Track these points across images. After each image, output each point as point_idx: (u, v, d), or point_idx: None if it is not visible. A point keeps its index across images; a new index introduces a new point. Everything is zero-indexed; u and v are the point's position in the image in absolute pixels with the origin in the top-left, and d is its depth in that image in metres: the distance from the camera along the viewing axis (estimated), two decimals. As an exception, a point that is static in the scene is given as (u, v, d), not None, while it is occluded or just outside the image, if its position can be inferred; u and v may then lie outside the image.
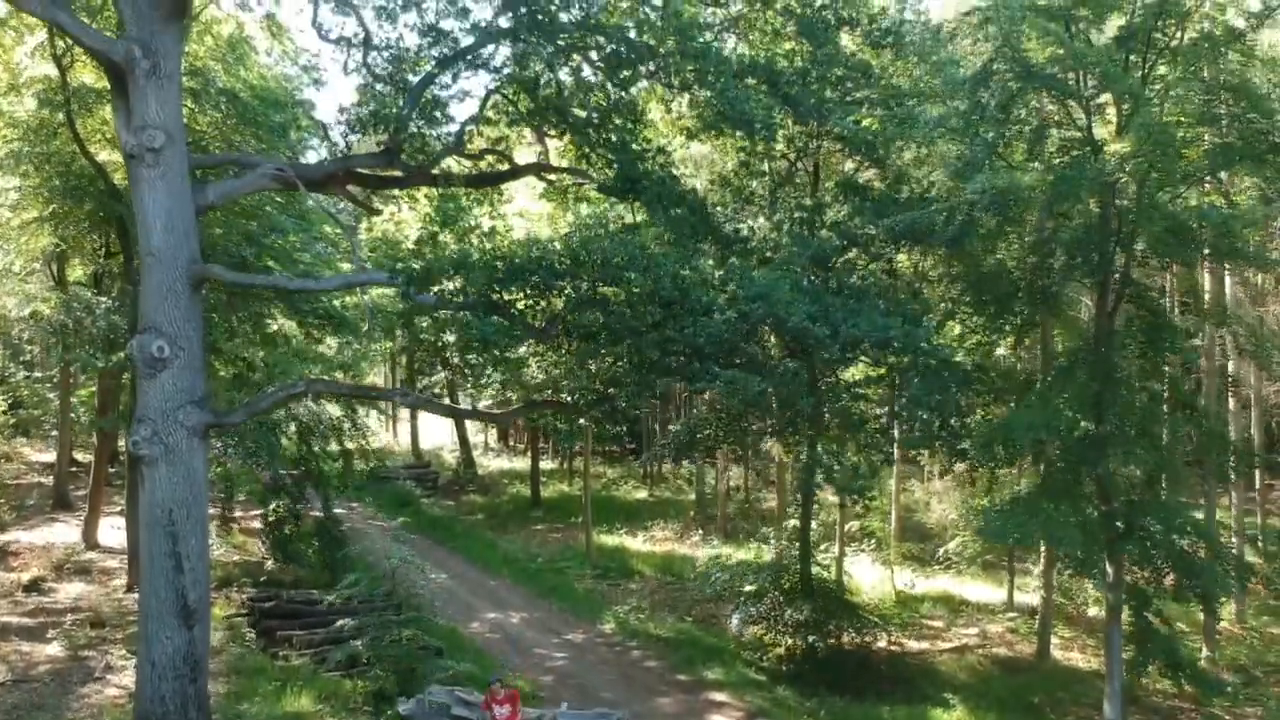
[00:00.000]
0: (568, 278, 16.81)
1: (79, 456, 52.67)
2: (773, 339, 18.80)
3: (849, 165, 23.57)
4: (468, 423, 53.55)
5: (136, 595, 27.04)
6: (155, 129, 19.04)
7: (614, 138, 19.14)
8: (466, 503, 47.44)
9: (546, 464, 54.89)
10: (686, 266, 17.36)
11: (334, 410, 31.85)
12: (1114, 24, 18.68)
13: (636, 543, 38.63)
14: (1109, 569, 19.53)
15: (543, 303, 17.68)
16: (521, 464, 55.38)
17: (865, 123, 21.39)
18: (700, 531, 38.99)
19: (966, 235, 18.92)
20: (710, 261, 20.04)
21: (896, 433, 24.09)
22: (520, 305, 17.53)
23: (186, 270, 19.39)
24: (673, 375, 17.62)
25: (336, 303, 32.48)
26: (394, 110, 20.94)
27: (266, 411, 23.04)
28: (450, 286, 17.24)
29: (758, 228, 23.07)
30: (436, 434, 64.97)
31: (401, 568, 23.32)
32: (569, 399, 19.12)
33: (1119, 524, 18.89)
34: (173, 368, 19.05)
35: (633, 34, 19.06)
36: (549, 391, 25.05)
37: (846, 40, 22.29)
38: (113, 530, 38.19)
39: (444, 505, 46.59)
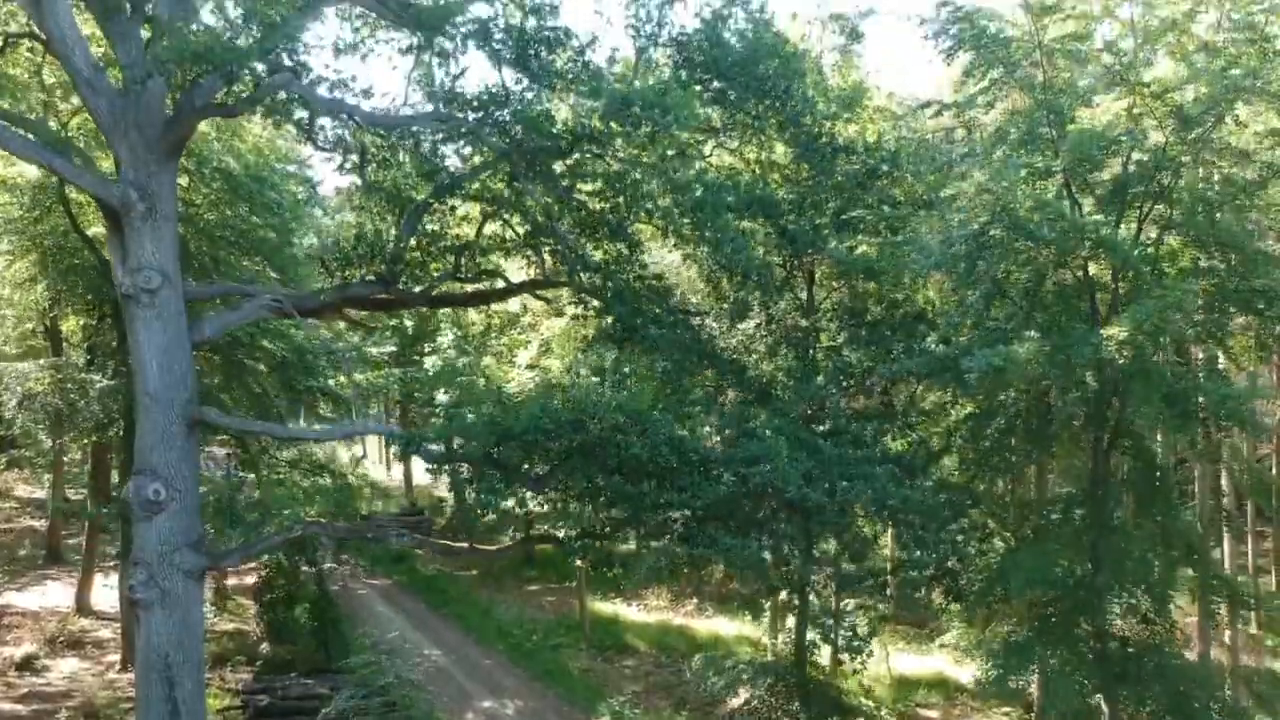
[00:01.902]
0: (563, 438, 16.82)
1: (71, 494, 52.42)
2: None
3: (844, 288, 23.54)
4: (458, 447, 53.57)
5: (131, 676, 27.10)
6: (151, 270, 19.01)
7: (610, 284, 19.13)
8: (459, 555, 47.42)
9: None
10: (683, 424, 17.39)
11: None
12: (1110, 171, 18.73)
13: (631, 611, 38.67)
14: (1105, 708, 19.64)
15: (538, 457, 17.68)
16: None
17: (861, 249, 21.38)
18: (694, 599, 39.05)
19: (963, 387, 19.01)
20: (704, 393, 20.09)
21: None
22: (518, 459, 17.53)
23: (183, 412, 19.35)
24: (669, 534, 17.64)
25: (331, 382, 32.51)
26: (389, 243, 20.90)
27: (261, 554, 23.06)
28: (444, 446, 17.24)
29: (753, 348, 23.10)
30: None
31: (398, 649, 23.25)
32: (563, 536, 19.13)
33: (1115, 669, 19.00)
34: (169, 510, 19.05)
35: (627, 174, 18.96)
36: (545, 527, 25.14)
37: (843, 165, 22.26)
38: (106, 590, 38.18)
39: (437, 556, 46.61)
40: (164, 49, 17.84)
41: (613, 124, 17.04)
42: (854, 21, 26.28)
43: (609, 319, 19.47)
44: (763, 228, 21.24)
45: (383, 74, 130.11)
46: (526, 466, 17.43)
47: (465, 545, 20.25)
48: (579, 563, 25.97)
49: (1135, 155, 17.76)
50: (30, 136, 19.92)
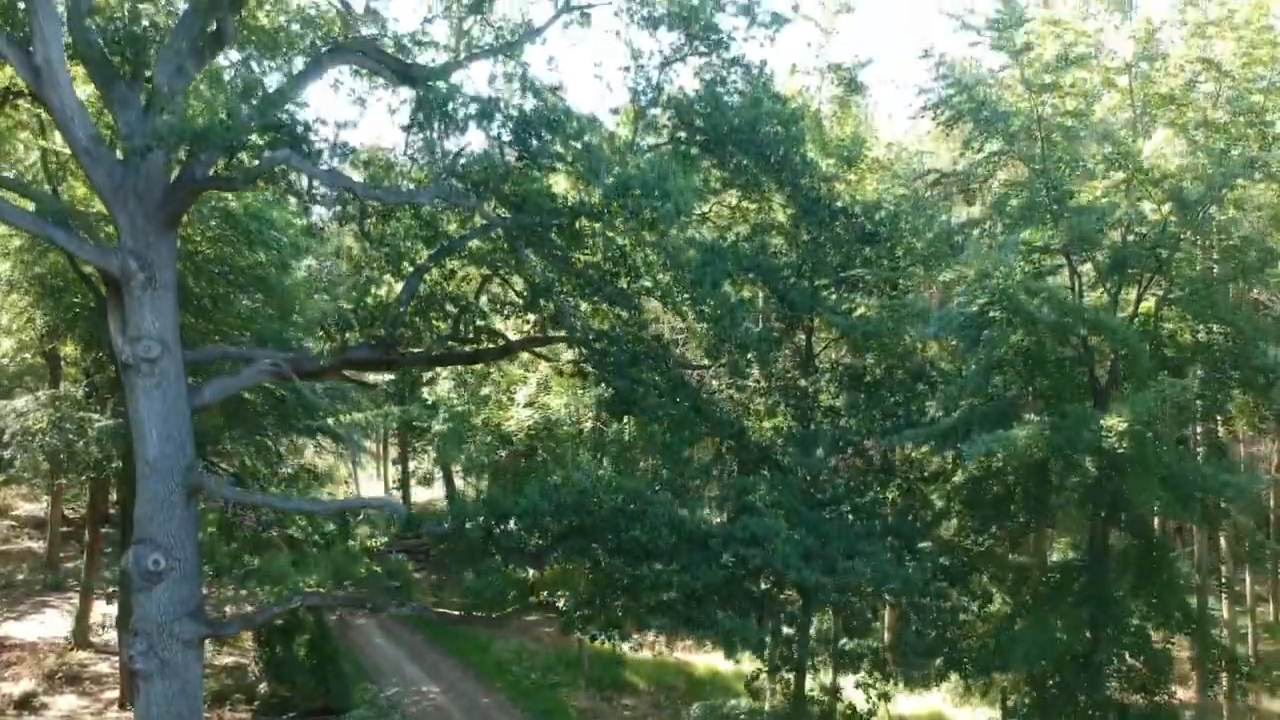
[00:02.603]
0: (563, 520, 16.86)
1: (70, 513, 52.32)
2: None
3: (843, 346, 23.55)
4: (458, 480, 53.59)
5: (130, 715, 27.10)
6: (151, 340, 19.02)
7: (610, 357, 19.16)
8: (457, 583, 47.37)
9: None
10: (682, 500, 17.44)
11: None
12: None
13: (628, 646, 38.64)
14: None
15: (538, 536, 17.73)
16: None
17: (859, 311, 21.41)
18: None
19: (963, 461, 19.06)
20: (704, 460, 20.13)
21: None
22: (518, 541, 17.57)
23: (182, 480, 19.37)
24: (668, 615, 17.68)
25: (330, 420, 32.48)
26: (389, 306, 20.92)
27: (263, 625, 23.10)
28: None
29: (752, 407, 23.12)
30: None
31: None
32: (563, 606, 19.17)
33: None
34: (168, 580, 19.08)
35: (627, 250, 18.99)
36: (544, 593, 25.21)
37: (842, 226, 22.29)
38: (104, 617, 38.10)
39: (435, 582, 46.55)
40: (163, 124, 17.86)
41: (612, 203, 17.04)
42: (852, 72, 26.21)
43: (608, 390, 19.49)
44: (761, 291, 21.24)
45: (383, 123, 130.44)
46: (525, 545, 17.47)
47: (459, 613, 20.17)
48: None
49: (1135, 228, 17.75)
50: (29, 206, 19.95)
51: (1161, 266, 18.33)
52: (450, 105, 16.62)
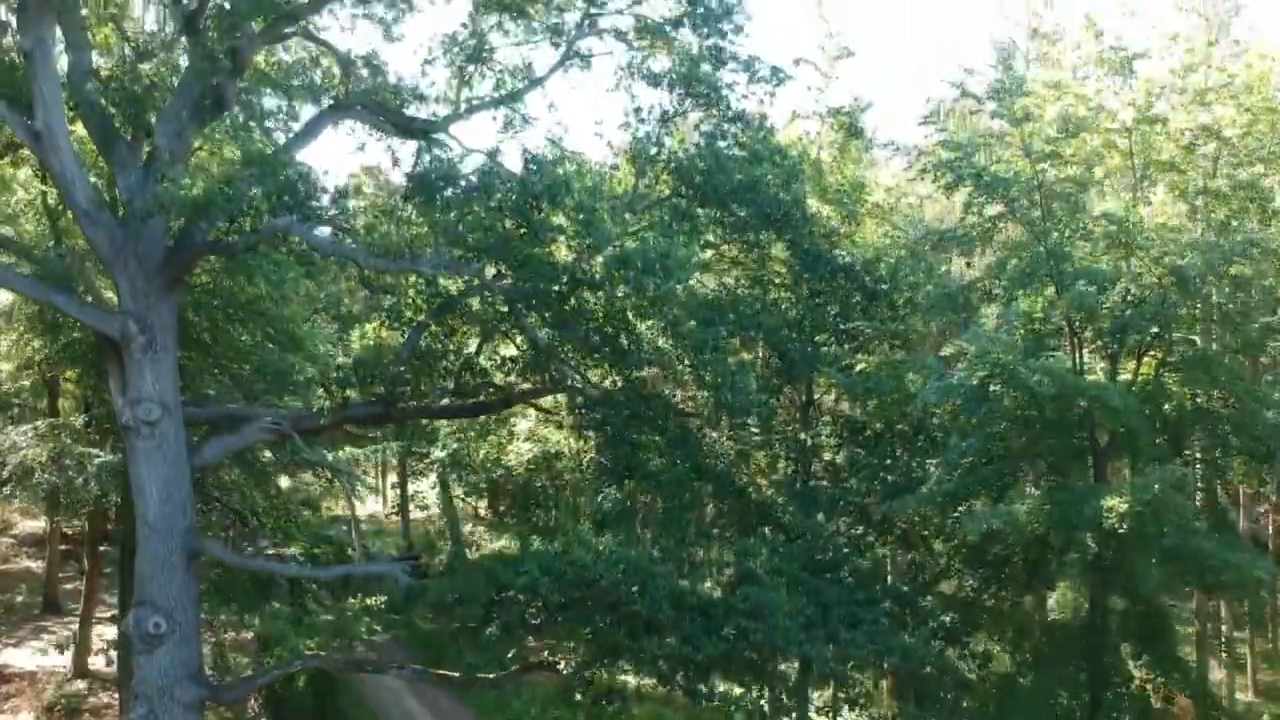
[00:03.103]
0: (563, 593, 16.91)
1: (69, 529, 52.06)
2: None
3: (843, 399, 23.57)
4: (455, 495, 53.51)
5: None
6: (151, 403, 19.02)
7: (609, 424, 19.21)
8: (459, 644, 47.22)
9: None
10: (682, 571, 17.49)
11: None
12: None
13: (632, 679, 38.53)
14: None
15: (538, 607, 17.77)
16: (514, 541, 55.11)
17: (860, 366, 21.44)
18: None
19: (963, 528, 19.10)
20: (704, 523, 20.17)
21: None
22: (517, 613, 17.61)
23: (182, 542, 19.39)
24: (668, 683, 17.72)
25: (330, 454, 32.40)
26: (389, 364, 20.92)
27: (265, 687, 23.14)
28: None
29: (752, 461, 23.13)
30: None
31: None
32: (562, 669, 19.21)
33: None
34: (169, 643, 19.09)
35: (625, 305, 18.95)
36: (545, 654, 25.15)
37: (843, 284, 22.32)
38: (103, 643, 37.98)
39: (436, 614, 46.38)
40: (165, 192, 17.83)
41: (613, 274, 17.05)
42: (852, 117, 26.16)
43: (607, 455, 19.54)
44: (760, 351, 21.28)
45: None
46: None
47: (458, 675, 20.16)
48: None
49: (1134, 296, 17.78)
50: (26, 270, 19.96)
51: (1161, 334, 18.38)
52: (449, 185, 16.59)
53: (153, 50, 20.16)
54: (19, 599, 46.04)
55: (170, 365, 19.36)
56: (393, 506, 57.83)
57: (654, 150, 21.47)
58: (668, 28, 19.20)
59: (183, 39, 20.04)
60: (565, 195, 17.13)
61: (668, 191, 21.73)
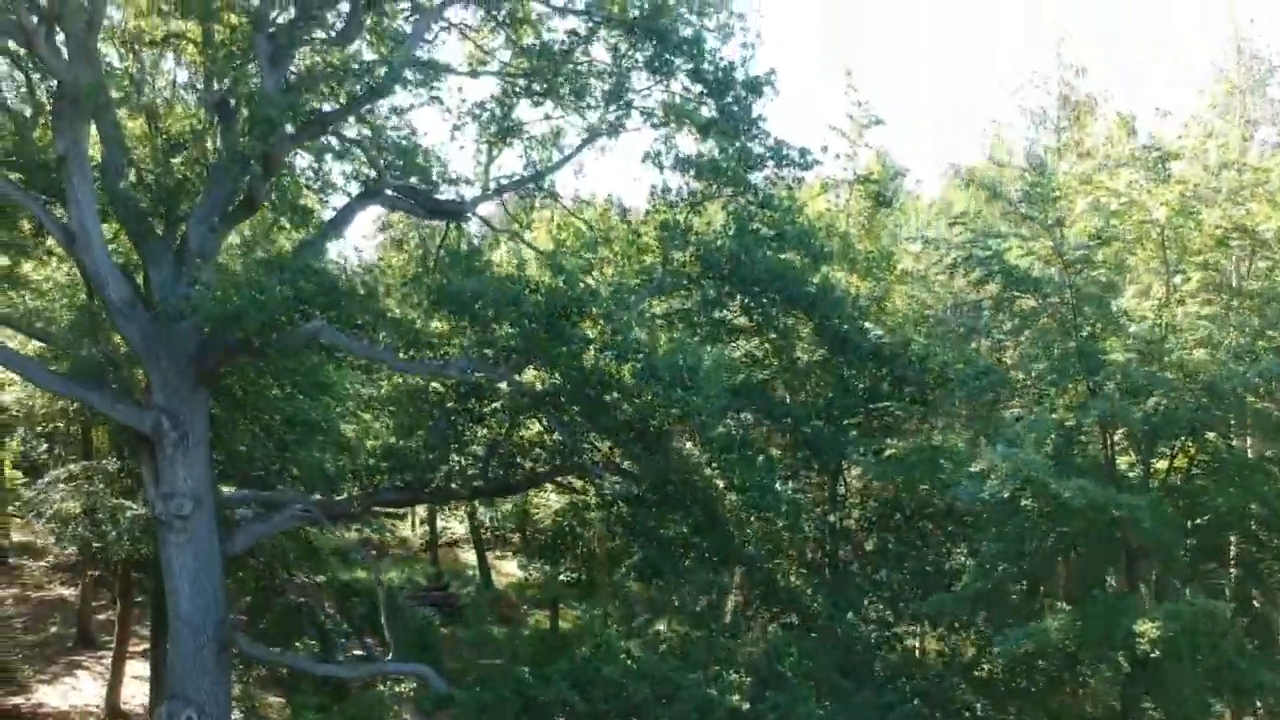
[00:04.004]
0: (591, 705, 16.98)
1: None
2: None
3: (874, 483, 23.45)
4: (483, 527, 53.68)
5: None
6: (183, 497, 19.23)
7: (637, 521, 19.30)
8: (484, 639, 47.33)
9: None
10: (710, 677, 17.51)
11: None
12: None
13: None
14: None
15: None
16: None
17: (890, 451, 21.35)
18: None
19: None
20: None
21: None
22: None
23: (214, 635, 19.59)
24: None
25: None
26: (417, 452, 21.08)
27: None
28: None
29: (782, 550, 23.07)
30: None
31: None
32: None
33: None
34: (202, 737, 19.30)
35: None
36: None
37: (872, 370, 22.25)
38: (136, 684, 38.29)
39: (461, 639, 46.56)
40: (197, 297, 18.05)
41: (643, 384, 17.10)
42: (881, 186, 26.09)
43: (637, 554, 19.62)
44: (787, 443, 21.29)
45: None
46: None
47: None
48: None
49: (1168, 403, 17.62)
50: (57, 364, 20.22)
51: (1194, 437, 18.24)
52: (477, 303, 16.69)
53: (185, 141, 20.36)
54: (53, 629, 46.32)
55: (202, 459, 19.55)
56: (422, 539, 58.07)
57: (681, 233, 21.45)
58: (694, 127, 19.14)
59: (216, 128, 20.28)
60: (593, 305, 17.19)
61: (695, 272, 21.69)
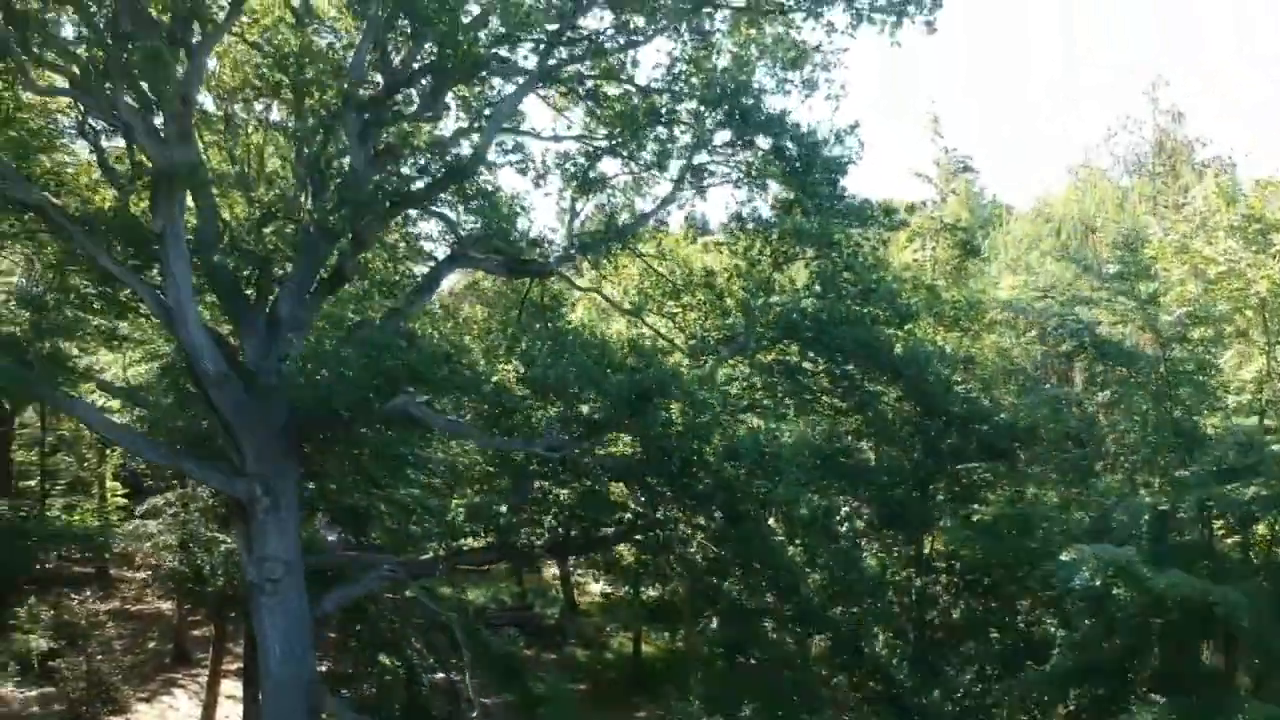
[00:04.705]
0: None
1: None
2: None
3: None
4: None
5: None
6: (275, 561, 19.66)
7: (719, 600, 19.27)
8: (568, 662, 47.57)
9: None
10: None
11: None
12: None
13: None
14: None
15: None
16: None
17: (978, 517, 21.01)
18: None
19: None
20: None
21: None
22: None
23: (305, 695, 20.02)
24: None
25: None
26: (502, 514, 21.30)
27: None
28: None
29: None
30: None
31: None
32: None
33: None
34: (295, 800, 19.73)
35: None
36: None
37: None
38: (231, 704, 39.12)
39: (545, 663, 46.84)
40: (288, 373, 18.48)
41: (725, 465, 17.06)
42: (970, 235, 25.68)
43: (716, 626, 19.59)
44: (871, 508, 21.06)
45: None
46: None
47: None
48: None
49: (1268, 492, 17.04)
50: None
51: None
52: (554, 388, 16.80)
53: (276, 211, 20.79)
54: (150, 644, 47.41)
55: (293, 524, 19.98)
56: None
57: (763, 293, 21.34)
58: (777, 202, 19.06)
59: (307, 196, 20.67)
60: (674, 386, 17.18)
61: (777, 334, 21.55)
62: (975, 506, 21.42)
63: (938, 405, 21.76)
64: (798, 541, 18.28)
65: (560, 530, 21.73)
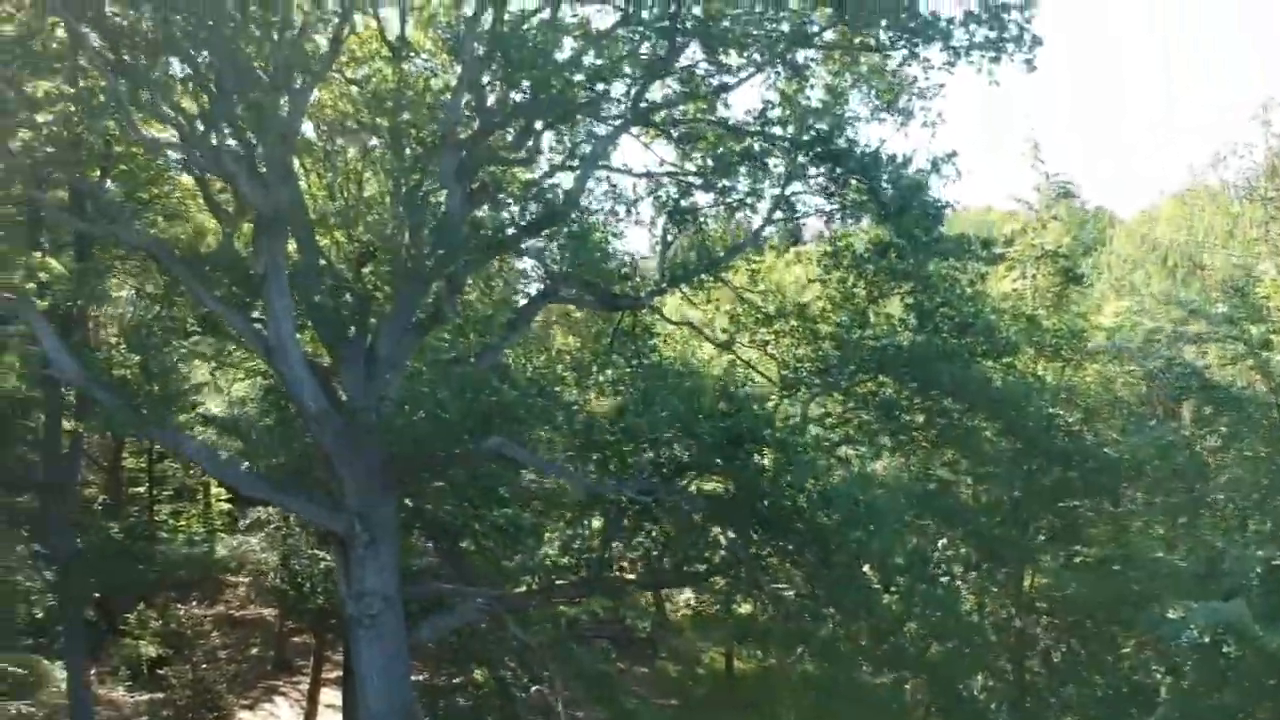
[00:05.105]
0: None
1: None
2: None
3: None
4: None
5: None
6: (373, 596, 20.01)
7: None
8: (659, 676, 47.52)
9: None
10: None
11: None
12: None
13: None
14: None
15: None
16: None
17: (1079, 560, 20.48)
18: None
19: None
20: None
21: None
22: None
23: (401, 721, 20.38)
24: None
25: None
26: (595, 549, 21.40)
27: None
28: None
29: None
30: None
31: None
32: None
33: None
34: (392, 825, 20.07)
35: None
36: None
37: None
38: (331, 714, 39.82)
39: (637, 676, 46.85)
40: (385, 416, 18.82)
41: (819, 514, 16.90)
42: (1071, 262, 25.00)
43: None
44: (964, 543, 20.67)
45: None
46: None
47: None
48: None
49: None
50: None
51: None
52: (646, 435, 16.82)
53: (375, 249, 21.18)
54: (253, 649, 48.43)
55: (392, 559, 20.31)
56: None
57: (857, 331, 21.11)
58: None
59: (404, 232, 21.01)
60: (766, 431, 17.07)
61: (872, 370, 21.29)
62: (1078, 548, 20.85)
63: (1039, 441, 21.25)
64: (893, 589, 17.99)
65: (653, 564, 21.71)
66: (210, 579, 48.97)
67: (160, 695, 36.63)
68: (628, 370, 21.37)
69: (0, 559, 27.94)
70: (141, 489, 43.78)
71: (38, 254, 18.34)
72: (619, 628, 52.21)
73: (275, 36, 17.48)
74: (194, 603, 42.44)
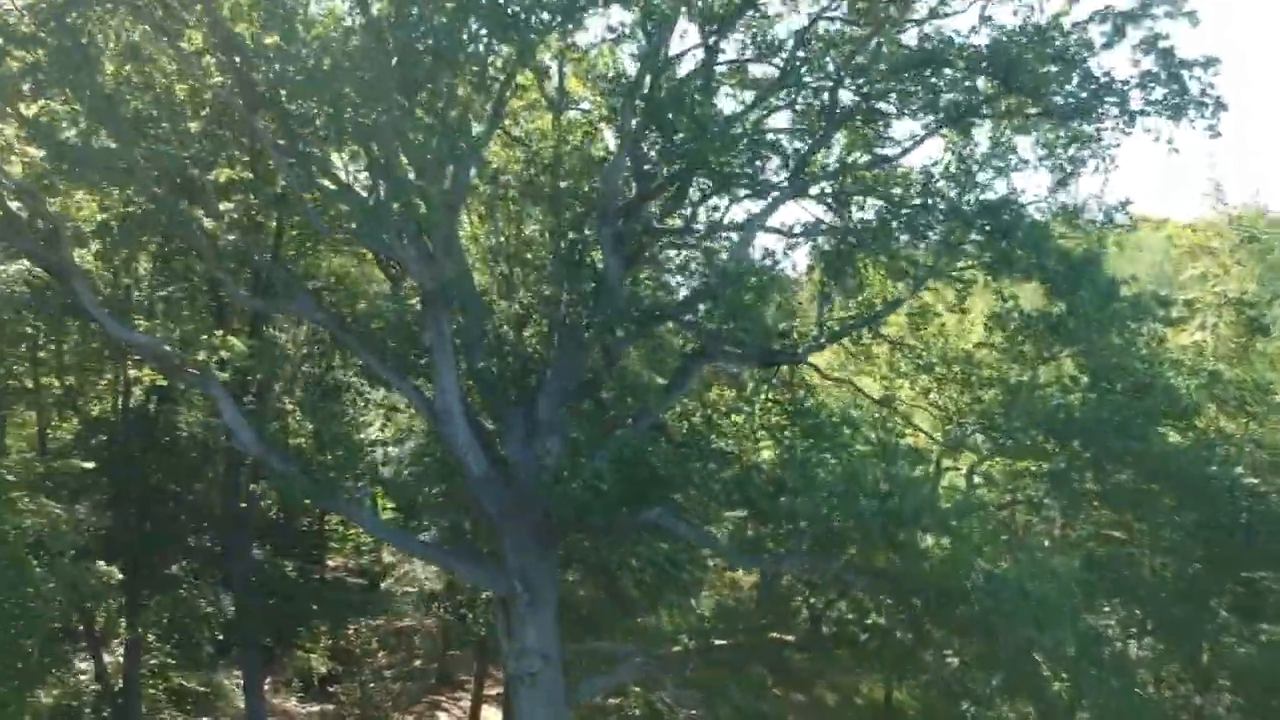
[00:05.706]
0: None
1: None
2: None
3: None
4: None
5: None
6: (533, 655, 20.37)
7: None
8: (816, 704, 47.01)
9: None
10: None
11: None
12: None
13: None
14: None
15: None
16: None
17: (1264, 639, 19.30)
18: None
19: None
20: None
21: None
22: None
23: (564, 782, 20.71)
24: None
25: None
26: (747, 616, 21.35)
27: None
28: None
29: None
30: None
31: None
32: None
33: None
34: None
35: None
36: None
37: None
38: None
39: (794, 704, 46.45)
40: (545, 484, 19.14)
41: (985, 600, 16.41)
42: (1258, 310, 23.55)
43: None
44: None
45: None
46: None
47: None
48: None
49: None
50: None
51: None
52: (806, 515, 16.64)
53: (534, 314, 21.54)
54: (416, 663, 49.40)
55: (550, 619, 20.64)
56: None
57: (1026, 392, 20.40)
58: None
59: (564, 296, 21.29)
60: (930, 515, 16.67)
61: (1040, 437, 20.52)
62: (1264, 625, 19.68)
63: (1221, 508, 20.14)
64: (1064, 676, 17.33)
65: (811, 629, 21.52)
66: (376, 586, 50.68)
67: (330, 707, 38.16)
68: (785, 421, 21.09)
69: (185, 588, 29.68)
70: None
71: (219, 332, 19.27)
72: (776, 656, 51.71)
73: (439, 120, 17.86)
74: (362, 623, 43.72)
